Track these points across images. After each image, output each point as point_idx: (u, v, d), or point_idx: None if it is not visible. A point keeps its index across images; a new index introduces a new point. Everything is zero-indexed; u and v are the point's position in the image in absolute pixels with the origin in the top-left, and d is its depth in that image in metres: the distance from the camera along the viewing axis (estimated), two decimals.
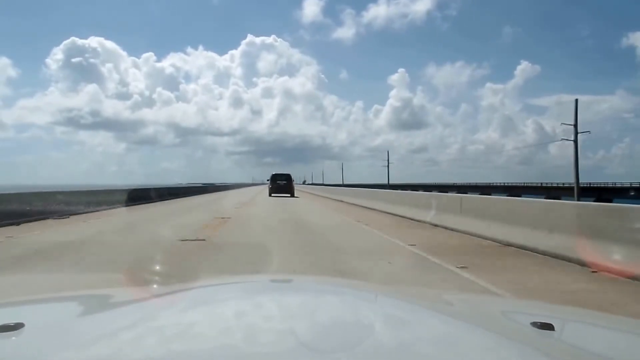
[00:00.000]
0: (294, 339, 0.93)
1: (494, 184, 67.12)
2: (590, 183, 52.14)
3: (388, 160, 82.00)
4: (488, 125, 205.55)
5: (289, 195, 29.70)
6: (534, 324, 1.01)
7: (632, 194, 38.55)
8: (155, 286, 3.04)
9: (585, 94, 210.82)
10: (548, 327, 1.00)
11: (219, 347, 0.88)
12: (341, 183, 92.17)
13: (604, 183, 52.86)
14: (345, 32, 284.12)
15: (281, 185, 30.73)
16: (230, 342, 0.92)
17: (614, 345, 1.06)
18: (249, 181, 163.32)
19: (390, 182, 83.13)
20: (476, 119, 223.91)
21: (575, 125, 35.43)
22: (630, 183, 47.64)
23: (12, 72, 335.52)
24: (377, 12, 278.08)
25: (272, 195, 29.47)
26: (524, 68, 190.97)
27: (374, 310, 1.23)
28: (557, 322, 1.04)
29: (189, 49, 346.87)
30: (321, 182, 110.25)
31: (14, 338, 0.88)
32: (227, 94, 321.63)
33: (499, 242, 7.58)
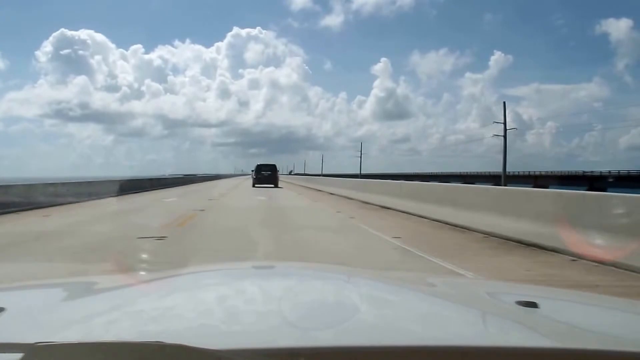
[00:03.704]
0: (278, 318, 0.92)
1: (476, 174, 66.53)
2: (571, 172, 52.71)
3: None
4: (467, 115, 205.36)
5: (272, 185, 29.62)
6: (519, 303, 1.02)
7: (611, 180, 39.24)
8: (142, 273, 3.11)
9: (562, 83, 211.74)
10: (532, 305, 1.01)
11: (198, 327, 0.86)
12: (358, 173, 77.10)
13: (582, 171, 53.18)
14: (333, 20, 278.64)
15: (265, 176, 30.60)
16: (211, 323, 0.91)
17: (598, 321, 1.07)
18: (232, 172, 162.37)
19: (372, 172, 78.67)
20: (456, 108, 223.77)
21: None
22: (609, 171, 48.26)
23: (1, 64, 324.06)
24: None
25: (256, 186, 29.25)
26: (497, 58, 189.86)
27: (357, 292, 1.23)
28: (541, 300, 1.05)
29: (177, 42, 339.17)
30: (313, 173, 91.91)
31: None
32: (214, 86, 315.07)
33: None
